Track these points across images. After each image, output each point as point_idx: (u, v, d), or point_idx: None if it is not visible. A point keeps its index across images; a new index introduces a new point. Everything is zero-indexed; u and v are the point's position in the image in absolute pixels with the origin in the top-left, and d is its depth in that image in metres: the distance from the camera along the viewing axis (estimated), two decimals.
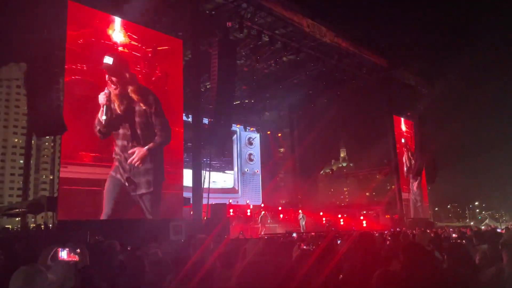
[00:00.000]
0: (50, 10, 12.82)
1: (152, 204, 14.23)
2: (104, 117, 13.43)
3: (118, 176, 13.64)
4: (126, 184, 13.68)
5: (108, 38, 14.45)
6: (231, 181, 31.37)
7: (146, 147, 14.39)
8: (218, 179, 29.32)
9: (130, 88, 14.51)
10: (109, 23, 14.56)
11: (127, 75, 14.57)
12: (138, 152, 14.09)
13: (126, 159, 13.86)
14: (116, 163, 13.69)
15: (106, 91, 13.69)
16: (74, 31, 13.44)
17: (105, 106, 13.56)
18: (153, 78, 15.68)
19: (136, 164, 14.02)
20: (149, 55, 15.55)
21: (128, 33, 15.09)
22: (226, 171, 31.21)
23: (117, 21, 14.86)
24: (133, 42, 15.26)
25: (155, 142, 14.77)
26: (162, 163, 15.01)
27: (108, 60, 13.93)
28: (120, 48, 14.79)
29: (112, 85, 13.95)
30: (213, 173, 22.54)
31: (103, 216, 13.04)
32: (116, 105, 13.93)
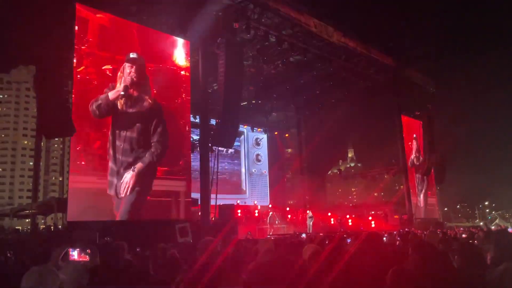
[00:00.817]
0: (59, 12, 12.89)
1: (134, 202, 13.70)
2: (122, 92, 13.62)
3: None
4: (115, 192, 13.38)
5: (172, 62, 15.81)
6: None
7: (136, 170, 13.87)
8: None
9: (141, 91, 14.58)
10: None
11: (145, 77, 14.77)
12: (130, 178, 13.72)
13: (115, 160, 13.51)
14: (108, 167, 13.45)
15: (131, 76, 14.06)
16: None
17: (123, 85, 13.77)
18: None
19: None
20: None
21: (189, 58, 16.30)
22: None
23: (180, 41, 16.22)
24: None
25: (152, 153, 14.40)
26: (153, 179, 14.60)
27: (137, 56, 14.44)
28: (183, 73, 16.09)
29: (134, 79, 14.17)
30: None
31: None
32: (122, 102, 13.92)
